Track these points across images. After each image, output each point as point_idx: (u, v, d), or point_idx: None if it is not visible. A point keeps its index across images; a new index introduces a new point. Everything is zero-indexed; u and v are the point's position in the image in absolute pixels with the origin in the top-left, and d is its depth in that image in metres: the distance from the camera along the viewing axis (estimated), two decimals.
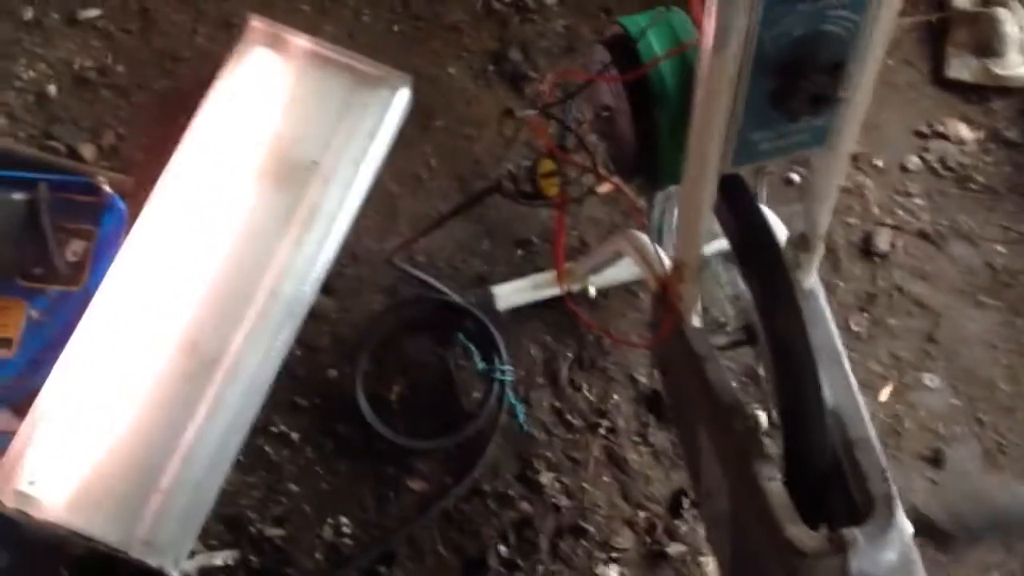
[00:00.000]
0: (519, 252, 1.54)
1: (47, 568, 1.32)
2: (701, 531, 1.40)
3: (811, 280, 1.08)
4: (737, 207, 0.99)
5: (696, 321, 1.09)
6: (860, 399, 1.03)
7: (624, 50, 0.92)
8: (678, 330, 1.08)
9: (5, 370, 1.39)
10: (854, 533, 0.93)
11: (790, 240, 1.07)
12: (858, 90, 0.85)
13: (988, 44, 1.69)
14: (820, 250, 1.04)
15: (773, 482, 0.97)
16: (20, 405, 1.36)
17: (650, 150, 0.98)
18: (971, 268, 1.59)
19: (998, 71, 1.69)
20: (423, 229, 1.37)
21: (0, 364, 1.39)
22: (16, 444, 1.31)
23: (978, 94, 1.70)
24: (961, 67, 1.71)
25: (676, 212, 1.20)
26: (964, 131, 1.67)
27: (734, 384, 1.37)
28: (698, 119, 0.86)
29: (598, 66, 0.99)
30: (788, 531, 0.95)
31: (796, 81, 0.80)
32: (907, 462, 1.47)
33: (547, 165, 1.11)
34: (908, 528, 0.98)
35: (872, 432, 1.01)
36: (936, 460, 1.47)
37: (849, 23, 0.81)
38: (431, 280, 1.48)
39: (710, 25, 0.79)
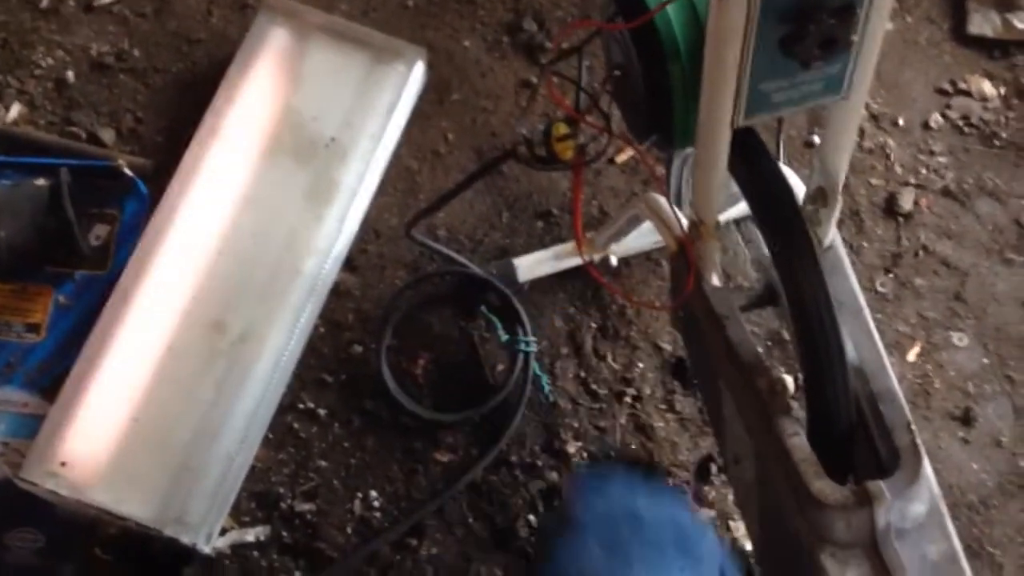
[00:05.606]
0: (539, 224, 1.54)
1: (81, 548, 1.34)
2: (730, 496, 1.39)
3: (830, 235, 1.07)
4: (753, 162, 0.99)
5: (716, 281, 1.08)
6: (883, 352, 1.02)
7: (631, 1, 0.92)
8: (698, 290, 1.07)
9: (34, 354, 1.40)
10: (879, 485, 0.92)
11: (807, 195, 1.06)
12: (869, 33, 0.84)
13: None
14: (838, 204, 1.03)
15: (797, 437, 0.97)
16: (50, 388, 1.37)
17: (664, 107, 0.98)
18: (997, 225, 1.57)
19: (1021, 26, 1.66)
20: (439, 199, 1.37)
21: (29, 348, 1.40)
22: (47, 427, 1.33)
23: (1001, 49, 1.67)
24: (983, 22, 1.68)
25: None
26: (987, 87, 1.65)
27: (758, 347, 1.36)
28: (709, 69, 0.85)
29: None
30: (813, 486, 0.94)
31: (806, 25, 0.79)
32: (937, 422, 1.46)
33: (561, 128, 1.10)
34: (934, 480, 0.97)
35: (896, 384, 1.00)
36: (966, 419, 1.46)
37: None
38: (452, 254, 1.48)
39: None
